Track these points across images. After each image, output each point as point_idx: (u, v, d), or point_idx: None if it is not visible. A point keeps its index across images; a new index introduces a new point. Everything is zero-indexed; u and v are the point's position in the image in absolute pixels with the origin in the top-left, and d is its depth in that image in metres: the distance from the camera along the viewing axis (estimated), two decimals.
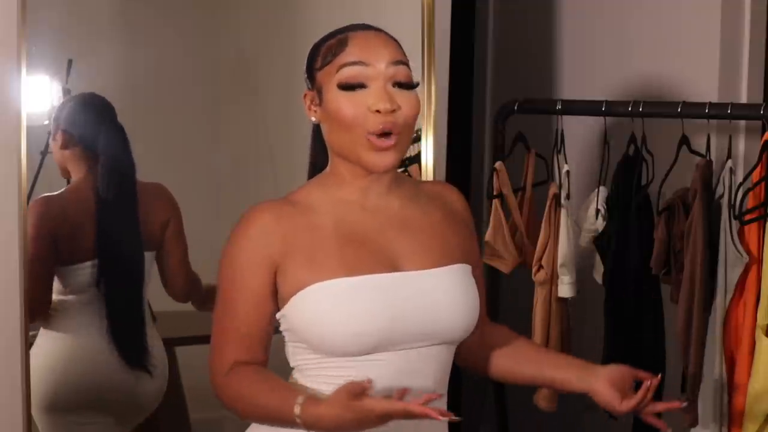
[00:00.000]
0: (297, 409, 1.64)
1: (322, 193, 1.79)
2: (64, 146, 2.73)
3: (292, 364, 1.80)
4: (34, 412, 2.63)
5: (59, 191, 2.75)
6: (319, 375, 1.74)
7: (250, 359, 1.75)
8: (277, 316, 1.77)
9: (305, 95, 1.79)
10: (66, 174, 2.77)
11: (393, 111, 1.70)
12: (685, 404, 1.86)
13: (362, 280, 1.71)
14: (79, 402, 2.72)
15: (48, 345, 2.70)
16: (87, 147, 2.75)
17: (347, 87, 1.71)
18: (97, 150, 2.75)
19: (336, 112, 1.72)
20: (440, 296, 1.75)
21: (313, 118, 1.78)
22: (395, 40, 1.78)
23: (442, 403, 1.81)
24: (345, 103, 1.71)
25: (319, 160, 1.85)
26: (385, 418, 1.60)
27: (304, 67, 1.81)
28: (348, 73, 1.71)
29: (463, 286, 1.79)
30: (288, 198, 1.80)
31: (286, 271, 1.73)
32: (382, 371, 1.71)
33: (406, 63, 1.74)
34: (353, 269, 1.71)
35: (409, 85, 1.73)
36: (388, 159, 1.72)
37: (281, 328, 1.79)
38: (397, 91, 1.71)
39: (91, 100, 2.79)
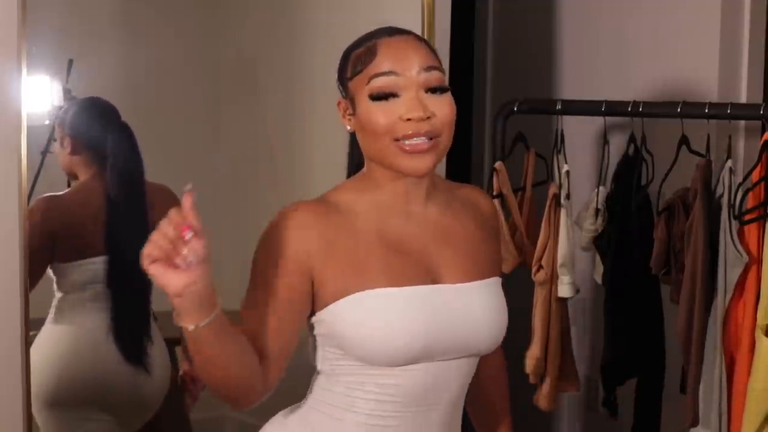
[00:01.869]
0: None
1: (359, 195, 1.74)
2: (74, 152, 2.75)
3: (319, 368, 1.76)
4: (35, 407, 2.63)
5: (64, 191, 2.76)
6: (355, 381, 1.71)
7: (273, 354, 1.67)
8: (313, 320, 1.72)
9: (339, 103, 1.76)
10: (73, 177, 2.78)
11: (427, 118, 1.66)
12: None
13: (406, 292, 1.68)
14: (80, 398, 2.72)
15: (51, 340, 2.71)
16: (95, 151, 2.76)
17: (379, 97, 1.67)
18: (105, 153, 2.76)
19: (368, 123, 1.68)
20: (477, 310, 1.73)
21: (348, 127, 1.75)
22: (426, 43, 1.76)
23: (459, 411, 1.81)
24: (377, 114, 1.67)
25: (357, 169, 1.82)
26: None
27: (336, 74, 1.77)
28: (379, 84, 1.67)
29: (496, 300, 1.78)
30: (324, 198, 1.75)
31: (326, 273, 1.67)
32: (417, 381, 1.69)
33: (437, 67, 1.71)
34: (396, 279, 1.68)
35: (442, 89, 1.70)
36: (424, 163, 1.68)
37: (315, 332, 1.74)
38: (429, 97, 1.68)
39: (96, 104, 2.80)
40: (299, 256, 1.67)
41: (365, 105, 1.69)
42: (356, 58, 1.72)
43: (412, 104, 1.66)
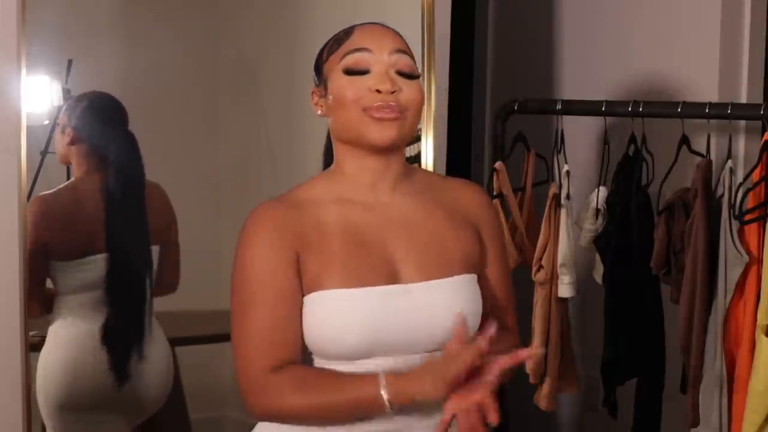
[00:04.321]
0: (383, 381, 1.65)
1: (327, 188, 1.79)
2: (72, 143, 2.75)
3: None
4: (46, 410, 2.63)
5: (55, 189, 2.75)
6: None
7: (289, 357, 1.72)
8: None
9: (312, 92, 1.83)
10: (67, 162, 2.77)
11: (393, 92, 1.73)
12: (531, 352, 1.74)
13: (359, 294, 1.71)
14: (93, 400, 2.71)
15: (63, 340, 2.70)
16: (93, 146, 2.76)
17: (351, 72, 1.75)
18: (102, 150, 2.75)
19: (339, 95, 1.75)
20: (437, 309, 1.75)
21: (320, 112, 1.81)
22: (399, 33, 1.82)
23: None
24: (348, 86, 1.74)
25: (330, 158, 1.87)
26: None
27: (313, 67, 1.84)
28: (352, 59, 1.75)
29: (461, 299, 1.77)
30: (290, 195, 1.79)
31: (303, 269, 1.72)
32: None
33: (408, 53, 1.78)
34: (352, 279, 1.71)
35: (411, 75, 1.77)
36: (389, 132, 1.73)
37: None
38: (399, 78, 1.75)
39: (103, 100, 2.79)
40: (283, 255, 1.71)
41: (337, 80, 1.76)
42: (332, 42, 1.80)
43: (381, 78, 1.74)
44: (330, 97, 1.77)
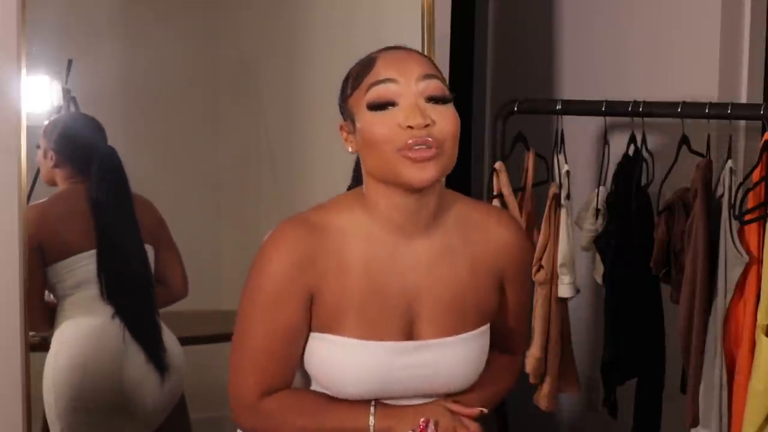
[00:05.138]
0: (372, 420, 1.67)
1: (356, 218, 1.69)
2: (56, 166, 2.75)
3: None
4: (56, 410, 2.63)
5: (45, 199, 2.75)
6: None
7: (283, 384, 1.71)
8: None
9: (341, 127, 1.70)
10: (52, 183, 2.78)
11: (426, 126, 1.60)
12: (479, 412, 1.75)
13: (370, 348, 1.67)
14: (107, 400, 2.71)
15: (68, 342, 2.70)
16: (78, 167, 2.76)
17: (377, 107, 1.62)
18: (87, 168, 2.75)
19: (368, 134, 1.62)
20: (445, 366, 1.72)
21: (350, 149, 1.69)
22: (426, 56, 1.71)
23: None
24: (376, 124, 1.61)
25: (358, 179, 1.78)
26: None
27: (338, 100, 1.72)
28: (377, 93, 1.62)
29: (470, 355, 1.74)
30: (317, 216, 1.70)
31: (317, 301, 1.68)
32: None
33: (438, 77, 1.65)
34: (366, 330, 1.67)
35: (443, 100, 1.63)
36: (427, 173, 1.60)
37: None
38: (430, 107, 1.62)
39: (82, 123, 2.79)
40: (299, 286, 1.66)
41: (364, 117, 1.63)
42: (354, 74, 1.67)
43: (411, 111, 1.60)
44: (359, 134, 1.64)
